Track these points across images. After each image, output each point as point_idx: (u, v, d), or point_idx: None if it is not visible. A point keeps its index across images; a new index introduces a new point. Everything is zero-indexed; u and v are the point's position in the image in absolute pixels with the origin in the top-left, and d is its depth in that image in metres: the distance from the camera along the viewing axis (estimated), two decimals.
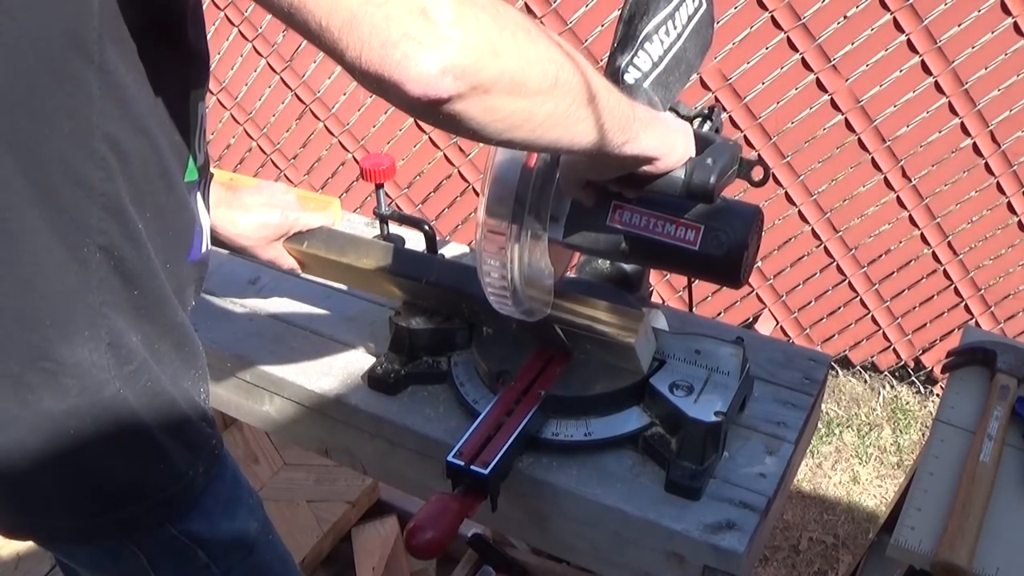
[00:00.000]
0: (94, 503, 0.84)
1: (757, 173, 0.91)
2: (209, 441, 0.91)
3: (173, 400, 0.85)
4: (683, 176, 0.87)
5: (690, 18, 0.95)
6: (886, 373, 2.83)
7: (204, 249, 0.92)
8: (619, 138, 0.78)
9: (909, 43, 2.30)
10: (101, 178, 0.73)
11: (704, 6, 0.97)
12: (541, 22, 2.53)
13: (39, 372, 0.77)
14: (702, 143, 0.89)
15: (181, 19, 0.77)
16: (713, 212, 0.93)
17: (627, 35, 0.90)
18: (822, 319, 2.80)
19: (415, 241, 1.33)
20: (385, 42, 0.59)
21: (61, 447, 0.79)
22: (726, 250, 0.93)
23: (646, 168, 0.86)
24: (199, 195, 0.89)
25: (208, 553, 0.91)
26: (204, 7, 3.11)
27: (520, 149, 0.87)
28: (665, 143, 0.85)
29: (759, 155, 2.55)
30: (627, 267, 1.16)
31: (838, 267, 2.68)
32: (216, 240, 1.14)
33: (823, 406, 2.56)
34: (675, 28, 0.93)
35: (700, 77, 2.48)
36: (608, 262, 1.17)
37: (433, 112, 0.63)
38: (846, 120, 2.44)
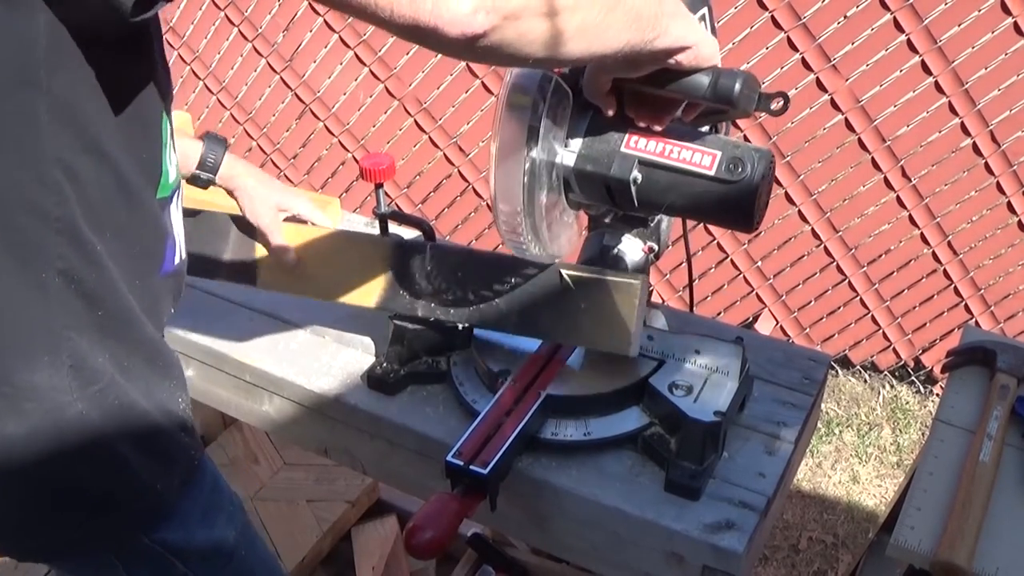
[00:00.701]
0: (63, 522, 0.84)
1: (776, 103, 0.90)
2: (187, 451, 0.91)
3: (145, 414, 0.85)
4: (709, 79, 0.87)
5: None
6: (886, 373, 2.83)
7: (178, 260, 0.91)
8: (649, 34, 0.79)
9: (909, 43, 2.30)
10: (55, 203, 0.73)
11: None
12: None
13: (0, 397, 0.77)
14: None
15: (145, 36, 0.76)
16: (729, 143, 0.93)
17: None
18: (822, 319, 2.80)
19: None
20: None
21: (27, 470, 0.80)
22: (741, 177, 0.92)
23: (679, 58, 0.85)
24: (172, 207, 0.89)
25: (185, 562, 0.91)
26: (203, 7, 3.09)
27: (555, 67, 0.87)
28: (696, 32, 0.85)
29: None
30: (627, 264, 1.16)
31: (838, 267, 2.68)
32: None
33: (823, 406, 2.56)
34: None
35: None
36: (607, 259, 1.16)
37: (471, 48, 0.66)
38: (846, 120, 2.44)
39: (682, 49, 0.84)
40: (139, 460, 0.85)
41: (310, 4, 2.81)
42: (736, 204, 0.93)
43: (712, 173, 0.92)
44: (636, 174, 0.95)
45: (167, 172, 0.85)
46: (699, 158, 0.93)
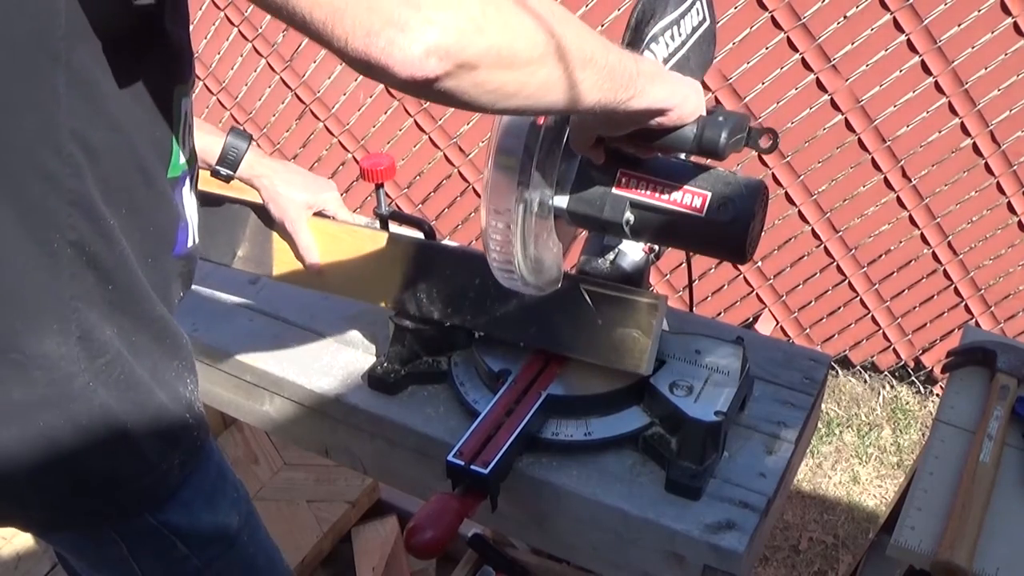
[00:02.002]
0: (64, 493, 0.85)
1: (766, 140, 0.90)
2: (191, 433, 0.91)
3: (151, 392, 0.86)
4: (694, 132, 0.87)
5: (694, 30, 0.96)
6: (886, 373, 2.83)
7: (191, 244, 0.92)
8: (623, 95, 0.78)
9: (909, 43, 2.30)
10: (69, 174, 0.73)
11: (707, 23, 0.98)
12: None
13: (8, 363, 0.77)
14: (710, 111, 0.90)
15: (158, 16, 0.76)
16: (720, 181, 0.93)
17: (635, 38, 0.91)
18: (822, 319, 2.80)
19: None
20: (369, 31, 0.60)
21: (31, 438, 0.80)
22: (732, 217, 0.92)
23: (659, 120, 0.85)
24: (185, 190, 0.89)
25: (187, 544, 0.92)
26: (203, 7, 3.09)
27: (519, 115, 0.87)
28: (675, 94, 0.84)
29: (760, 155, 2.55)
30: (627, 267, 1.16)
31: (838, 267, 2.68)
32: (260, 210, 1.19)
33: (823, 406, 2.56)
34: (679, 35, 0.94)
35: None
36: (608, 261, 1.17)
37: (424, 91, 0.64)
38: (846, 120, 2.44)
39: (662, 111, 0.84)
40: (143, 437, 0.85)
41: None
42: (728, 242, 0.94)
43: (703, 216, 0.93)
44: (628, 216, 0.96)
45: (177, 153, 0.85)
46: (689, 199, 0.94)
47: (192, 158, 0.91)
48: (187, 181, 0.90)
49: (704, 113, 0.88)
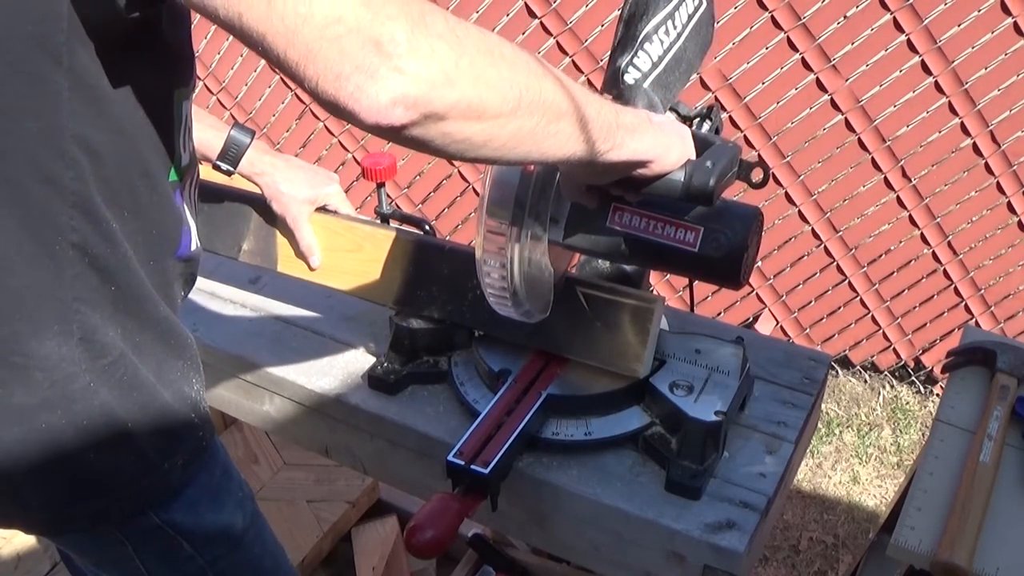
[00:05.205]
0: (65, 495, 0.85)
1: (756, 175, 0.91)
2: (195, 432, 0.91)
3: (155, 392, 0.86)
4: (682, 178, 0.87)
5: (690, 17, 0.95)
6: (886, 373, 2.83)
7: (194, 246, 0.92)
8: (600, 147, 0.78)
9: (909, 43, 2.30)
10: (71, 177, 0.74)
11: (704, 5, 0.97)
12: (541, 23, 2.53)
13: (9, 367, 0.78)
14: (701, 145, 0.89)
15: (155, 20, 0.77)
16: (713, 214, 0.93)
17: (627, 36, 0.91)
18: (822, 319, 2.80)
19: None
20: (339, 75, 0.60)
21: (33, 440, 0.80)
22: (725, 252, 0.92)
23: (641, 171, 0.85)
24: (186, 193, 0.90)
25: (192, 544, 0.92)
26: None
27: (489, 164, 0.88)
28: (657, 145, 0.84)
29: (759, 155, 2.55)
30: (627, 267, 1.16)
31: (838, 267, 2.68)
32: (255, 201, 1.20)
33: (823, 406, 2.56)
34: (675, 28, 0.93)
35: (700, 77, 2.48)
36: (608, 262, 1.17)
37: (391, 136, 0.65)
38: (846, 120, 2.45)
39: (643, 163, 0.84)
40: (144, 437, 0.86)
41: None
42: (721, 272, 0.95)
43: (696, 250, 0.93)
44: (624, 249, 0.96)
45: (180, 157, 0.85)
46: (683, 235, 0.94)
47: (192, 161, 0.91)
48: (188, 184, 0.90)
49: (692, 156, 0.87)
